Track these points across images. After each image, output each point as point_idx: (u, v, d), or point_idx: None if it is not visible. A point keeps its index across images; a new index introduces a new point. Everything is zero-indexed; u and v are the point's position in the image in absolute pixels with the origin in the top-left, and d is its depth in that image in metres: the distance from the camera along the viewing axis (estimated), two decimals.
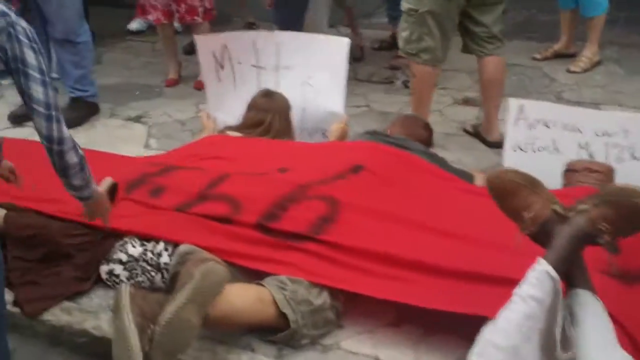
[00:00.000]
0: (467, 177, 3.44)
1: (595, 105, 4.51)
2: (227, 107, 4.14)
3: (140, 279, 2.92)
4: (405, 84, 4.96)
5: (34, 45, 2.33)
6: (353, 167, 3.17)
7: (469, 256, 2.66)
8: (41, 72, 2.32)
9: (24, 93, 2.36)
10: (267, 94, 3.80)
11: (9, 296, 2.71)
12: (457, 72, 5.16)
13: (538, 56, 5.35)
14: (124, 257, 2.95)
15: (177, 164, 3.36)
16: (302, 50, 3.93)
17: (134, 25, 6.47)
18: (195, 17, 5.03)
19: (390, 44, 5.47)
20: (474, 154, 4.10)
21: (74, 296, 2.89)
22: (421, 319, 2.63)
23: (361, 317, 2.69)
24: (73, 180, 2.50)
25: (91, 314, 2.80)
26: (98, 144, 4.14)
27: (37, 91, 2.31)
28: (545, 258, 2.14)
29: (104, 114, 4.78)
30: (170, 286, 2.56)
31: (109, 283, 2.95)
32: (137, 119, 4.72)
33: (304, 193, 2.96)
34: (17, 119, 4.54)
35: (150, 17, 5.06)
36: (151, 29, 6.39)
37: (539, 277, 2.12)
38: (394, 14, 4.84)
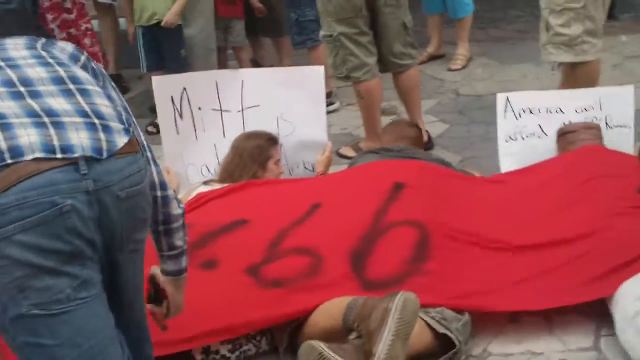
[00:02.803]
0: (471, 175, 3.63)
1: (493, 95, 4.91)
2: (189, 159, 3.93)
3: (245, 347, 2.72)
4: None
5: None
6: (394, 185, 3.19)
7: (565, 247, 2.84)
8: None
9: None
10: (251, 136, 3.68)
11: None
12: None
13: None
14: None
15: (207, 229, 3.07)
16: (270, 86, 3.83)
17: None
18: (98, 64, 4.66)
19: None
20: None
21: None
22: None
23: (479, 322, 2.75)
24: (175, 239, 2.13)
25: None
26: None
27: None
28: None
29: None
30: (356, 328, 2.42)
31: None
32: None
33: (382, 222, 2.95)
34: None
35: None
36: None
37: None
38: (298, 39, 4.91)
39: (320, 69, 3.81)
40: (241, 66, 5.34)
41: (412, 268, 2.73)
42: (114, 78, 5.52)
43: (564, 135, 3.59)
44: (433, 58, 5.73)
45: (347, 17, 3.96)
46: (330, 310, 2.52)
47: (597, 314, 2.66)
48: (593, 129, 3.56)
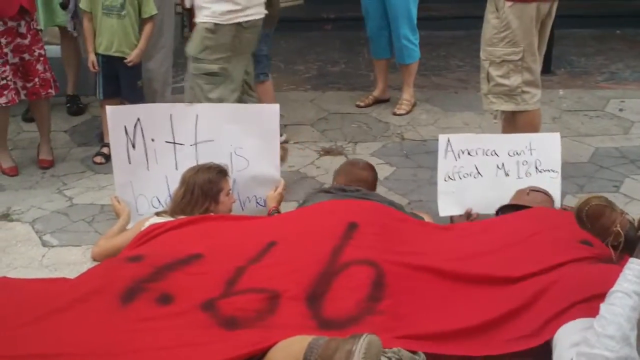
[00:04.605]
0: (421, 219, 3.73)
1: (436, 141, 5.07)
2: (140, 190, 3.92)
3: None
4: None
5: None
6: (348, 225, 3.26)
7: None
8: None
9: None
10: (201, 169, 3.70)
11: None
12: (300, 126, 5.44)
13: (361, 104, 5.82)
14: None
15: (162, 262, 3.07)
16: (225, 121, 3.87)
17: None
18: (50, 91, 4.62)
19: None
20: None
21: None
22: None
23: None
24: None
25: None
26: None
27: None
28: (637, 257, 2.53)
29: None
30: None
31: None
32: (5, 217, 4.18)
33: (337, 261, 3.00)
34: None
35: (3, 100, 4.43)
36: None
37: (638, 275, 2.50)
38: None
39: (276, 107, 3.87)
40: None
41: (369, 307, 2.78)
42: (72, 99, 5.58)
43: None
44: (378, 102, 5.88)
45: None
46: (290, 349, 2.52)
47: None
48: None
